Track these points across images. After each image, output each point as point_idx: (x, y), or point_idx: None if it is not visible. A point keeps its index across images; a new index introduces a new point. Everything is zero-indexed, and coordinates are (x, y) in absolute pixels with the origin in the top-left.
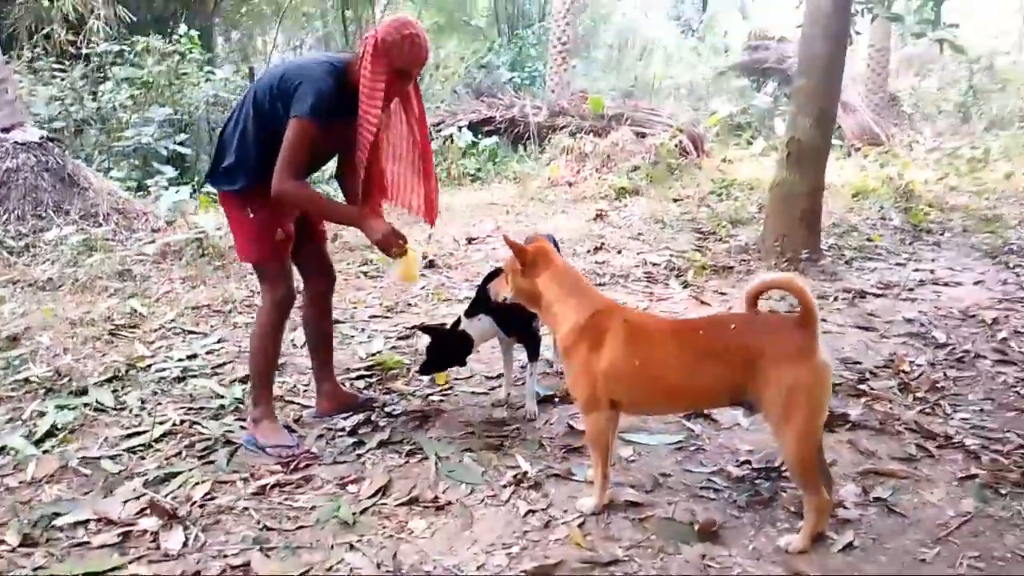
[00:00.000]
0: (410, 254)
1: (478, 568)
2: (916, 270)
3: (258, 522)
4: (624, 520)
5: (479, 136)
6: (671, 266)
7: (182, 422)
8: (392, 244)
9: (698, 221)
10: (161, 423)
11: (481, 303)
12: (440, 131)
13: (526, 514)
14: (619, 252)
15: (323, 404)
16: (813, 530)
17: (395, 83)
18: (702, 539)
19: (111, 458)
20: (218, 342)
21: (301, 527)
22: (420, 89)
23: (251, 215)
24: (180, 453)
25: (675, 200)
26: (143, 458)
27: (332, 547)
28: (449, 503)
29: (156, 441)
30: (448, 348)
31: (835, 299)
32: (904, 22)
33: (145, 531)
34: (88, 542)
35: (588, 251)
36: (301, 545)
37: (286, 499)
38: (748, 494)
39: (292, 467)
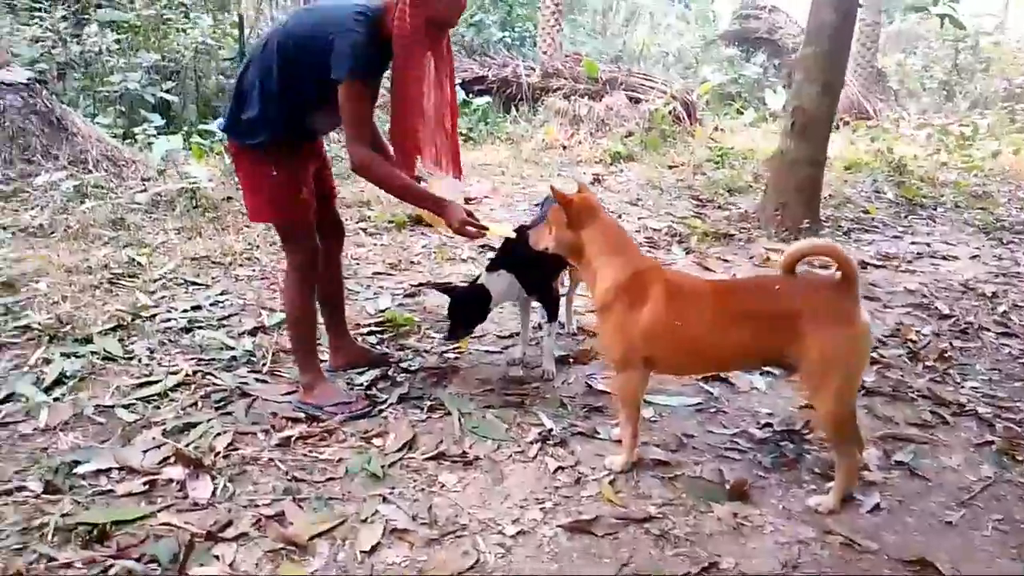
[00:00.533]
0: (434, 186)
1: (513, 522)
2: (913, 243)
3: (286, 473)
4: (653, 479)
5: (470, 95)
6: (672, 232)
7: (195, 372)
8: (471, 233)
9: (695, 188)
10: (173, 373)
11: (504, 258)
12: None
13: (556, 471)
14: (619, 217)
15: (337, 359)
16: (843, 491)
17: (433, 35)
18: (732, 498)
19: (125, 407)
20: (222, 294)
21: (331, 479)
22: (451, 42)
23: (274, 173)
24: (196, 404)
25: (670, 167)
26: (158, 407)
27: (365, 499)
28: (477, 458)
29: (170, 391)
30: (469, 306)
31: (834, 270)
32: None
33: (171, 480)
34: (112, 490)
35: None
36: (333, 496)
37: (311, 451)
38: (773, 456)
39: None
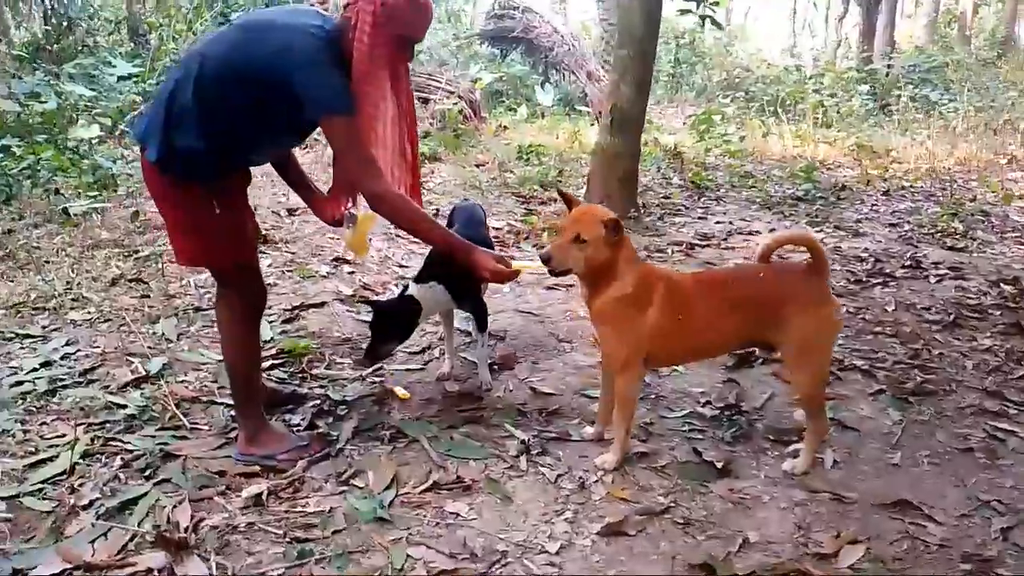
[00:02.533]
0: (365, 222)
1: (548, 538)
2: (718, 223)
3: (283, 535)
4: (644, 470)
5: None
6: (513, 230)
7: (93, 440)
8: (506, 277)
9: (511, 186)
10: (66, 445)
11: (435, 268)
12: None
13: (557, 479)
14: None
15: None
16: (814, 453)
17: (396, 55)
18: (721, 476)
19: (31, 495)
20: (68, 344)
21: (336, 531)
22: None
23: (218, 211)
24: (118, 476)
25: (478, 166)
26: (74, 489)
27: (387, 547)
28: (474, 481)
29: (76, 465)
30: (398, 319)
31: (672, 252)
32: None
33: (151, 570)
34: None
35: None
36: (353, 551)
37: (291, 507)
38: (732, 431)
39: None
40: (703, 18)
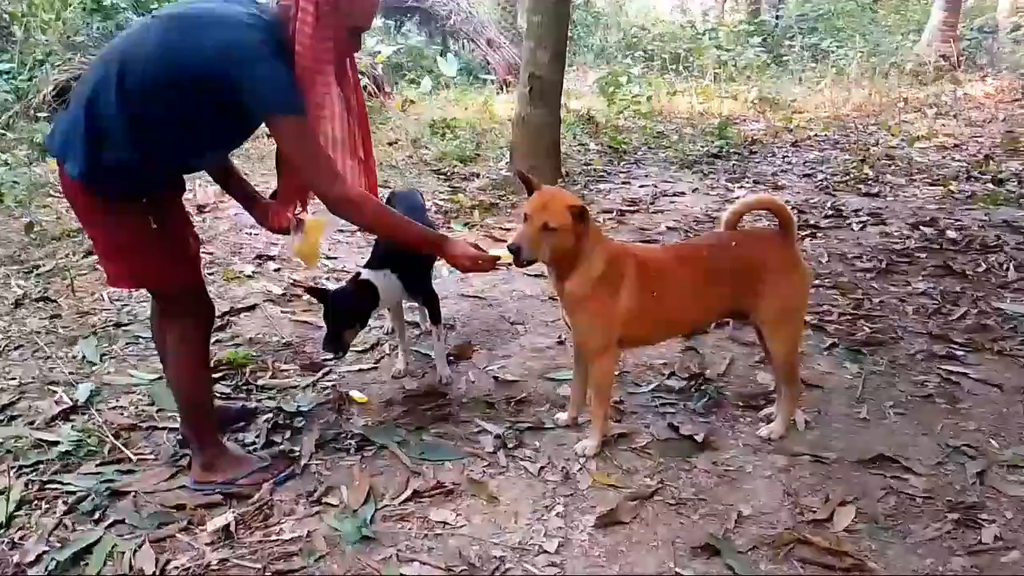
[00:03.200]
0: (315, 228)
1: (545, 537)
2: (642, 186)
3: (262, 569)
4: (624, 452)
5: None
6: (442, 209)
7: (27, 485)
8: (484, 268)
9: (429, 163)
10: (2, 494)
11: (387, 256)
12: None
13: (539, 472)
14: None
15: None
16: (789, 416)
17: (342, 48)
18: (702, 449)
19: None
20: None
21: (321, 557)
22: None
23: (154, 226)
24: (63, 523)
25: (390, 144)
26: (14, 543)
27: (378, 569)
28: (455, 484)
29: (14, 516)
30: (355, 304)
31: (603, 220)
32: None
33: None
34: None
35: None
36: (345, 575)
37: (265, 536)
38: (703, 401)
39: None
40: None
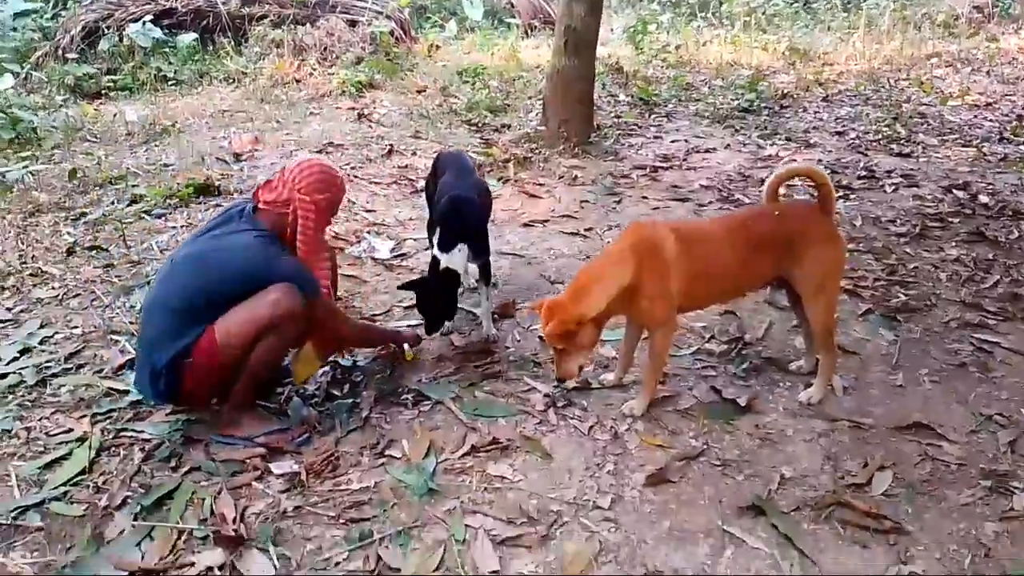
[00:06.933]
0: (307, 359)
1: (599, 493)
2: (674, 141)
3: (336, 517)
4: (669, 413)
5: (167, 33)
6: (475, 163)
7: (103, 432)
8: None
9: (460, 113)
10: (80, 440)
11: (462, 232)
12: (110, 29)
13: (589, 431)
14: (413, 154)
15: None
16: (827, 381)
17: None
18: (744, 412)
19: (57, 499)
20: (42, 326)
21: (389, 507)
22: None
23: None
24: (140, 470)
25: (419, 92)
26: (99, 488)
27: (444, 519)
28: (509, 440)
29: (94, 463)
30: (444, 293)
31: (636, 177)
32: None
33: (211, 568)
34: None
35: (381, 156)
36: (411, 525)
37: (335, 485)
38: (743, 366)
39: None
40: None
